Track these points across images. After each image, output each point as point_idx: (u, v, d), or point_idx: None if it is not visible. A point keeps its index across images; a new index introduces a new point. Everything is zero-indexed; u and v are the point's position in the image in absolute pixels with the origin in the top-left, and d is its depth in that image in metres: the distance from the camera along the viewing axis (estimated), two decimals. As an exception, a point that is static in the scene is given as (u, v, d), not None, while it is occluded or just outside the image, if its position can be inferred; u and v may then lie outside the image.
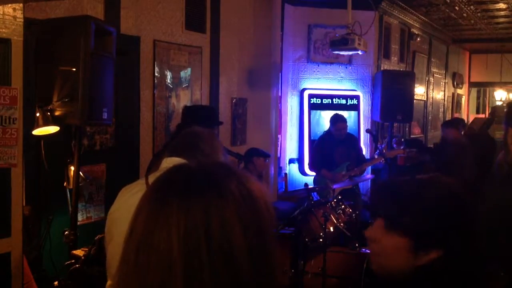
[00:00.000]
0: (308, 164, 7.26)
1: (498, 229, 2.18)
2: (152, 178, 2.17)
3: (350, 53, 6.42)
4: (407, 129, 9.98)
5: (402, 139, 8.46)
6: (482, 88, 15.74)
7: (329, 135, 6.40)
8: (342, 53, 6.59)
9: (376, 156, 6.91)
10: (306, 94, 7.66)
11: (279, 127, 7.17)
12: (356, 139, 6.94)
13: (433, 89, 11.49)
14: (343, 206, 4.81)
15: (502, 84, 14.52)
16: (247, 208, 0.87)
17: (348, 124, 6.43)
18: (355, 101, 7.87)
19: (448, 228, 1.26)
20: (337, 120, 6.29)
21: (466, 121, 12.18)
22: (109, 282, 2.15)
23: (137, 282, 0.85)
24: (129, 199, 2.11)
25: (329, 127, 6.39)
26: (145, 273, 0.84)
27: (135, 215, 0.90)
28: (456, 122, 7.63)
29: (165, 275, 0.82)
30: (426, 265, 1.25)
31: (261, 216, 0.89)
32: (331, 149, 6.26)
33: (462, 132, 7.98)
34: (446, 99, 12.72)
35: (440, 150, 7.45)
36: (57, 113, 3.23)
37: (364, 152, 7.07)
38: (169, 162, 2.20)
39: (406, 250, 1.27)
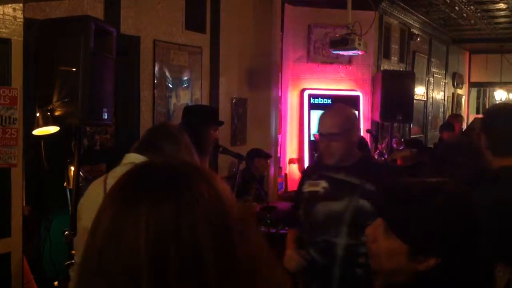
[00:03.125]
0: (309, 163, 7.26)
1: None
2: (110, 175, 2.17)
3: (350, 53, 6.42)
4: (407, 129, 9.98)
5: (402, 139, 8.46)
6: (482, 88, 15.74)
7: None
8: (342, 53, 6.59)
9: (376, 157, 6.91)
10: (306, 94, 7.65)
11: (279, 127, 7.17)
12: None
13: (433, 89, 11.49)
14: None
15: (502, 84, 14.51)
16: (215, 209, 0.85)
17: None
18: (355, 101, 7.87)
19: (448, 238, 1.24)
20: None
21: (466, 121, 12.20)
22: (72, 267, 2.22)
23: (100, 286, 0.82)
24: (90, 194, 2.20)
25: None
26: (109, 277, 0.81)
27: (98, 214, 0.87)
28: (449, 124, 7.65)
29: (131, 280, 0.80)
30: (426, 270, 1.23)
31: (229, 216, 0.87)
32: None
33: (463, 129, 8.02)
34: (446, 99, 12.71)
35: (436, 150, 7.47)
36: (57, 113, 3.23)
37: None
38: (127, 158, 2.19)
39: (403, 254, 1.25)
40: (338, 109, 2.93)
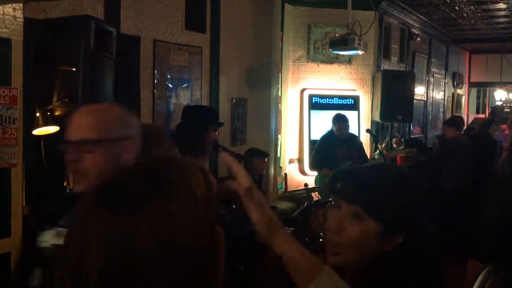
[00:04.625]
0: (309, 163, 7.26)
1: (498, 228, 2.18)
2: None
3: (350, 53, 6.43)
4: (407, 129, 9.98)
5: (402, 139, 8.47)
6: (482, 88, 15.74)
7: (331, 135, 6.41)
8: (342, 53, 6.60)
9: (376, 157, 6.92)
10: (306, 94, 7.66)
11: (279, 127, 7.17)
12: (358, 139, 6.94)
13: (433, 89, 11.49)
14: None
15: (502, 84, 14.52)
16: (167, 228, 0.83)
17: (349, 124, 6.43)
18: (355, 101, 7.87)
19: (412, 213, 1.30)
20: (337, 120, 6.30)
21: (466, 121, 12.20)
22: None
23: None
24: None
25: (331, 127, 6.40)
26: (63, 282, 0.84)
27: (68, 234, 0.89)
28: (457, 122, 7.63)
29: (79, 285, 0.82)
30: (391, 249, 1.27)
31: (182, 234, 0.84)
32: (332, 149, 6.27)
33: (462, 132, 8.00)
34: (446, 99, 12.72)
35: (438, 148, 7.47)
36: (57, 113, 3.22)
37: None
38: None
39: (375, 235, 1.27)
40: (103, 107, 1.93)
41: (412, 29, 9.84)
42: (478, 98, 16.11)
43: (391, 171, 1.39)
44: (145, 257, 0.81)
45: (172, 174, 0.88)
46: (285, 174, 7.49)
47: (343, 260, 1.31)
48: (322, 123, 7.35)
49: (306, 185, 5.35)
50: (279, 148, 7.24)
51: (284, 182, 7.40)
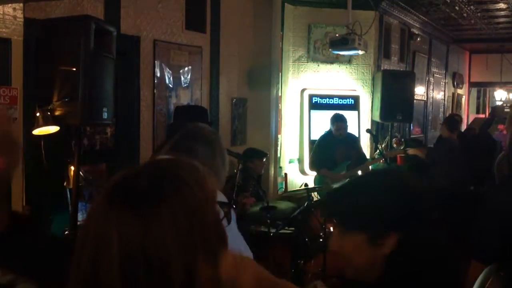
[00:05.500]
0: (309, 163, 7.26)
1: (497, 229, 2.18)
2: None
3: (350, 53, 6.43)
4: (407, 129, 9.98)
5: (402, 139, 8.46)
6: (482, 88, 15.74)
7: (330, 135, 6.41)
8: (342, 53, 6.60)
9: (376, 156, 6.92)
10: (306, 94, 7.65)
11: (279, 127, 7.17)
12: (357, 139, 6.94)
13: (433, 89, 11.49)
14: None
15: (502, 84, 14.51)
16: (185, 222, 0.85)
17: (348, 124, 6.43)
18: (355, 101, 7.87)
19: (394, 211, 1.31)
20: (336, 120, 6.30)
21: (466, 121, 12.21)
22: None
23: None
24: None
25: (330, 127, 6.40)
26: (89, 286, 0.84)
27: (83, 230, 0.89)
28: (450, 121, 7.64)
29: None
30: (392, 252, 1.29)
31: (201, 228, 0.87)
32: (331, 149, 6.27)
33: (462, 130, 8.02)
34: (446, 99, 12.72)
35: (435, 148, 7.48)
36: (57, 113, 3.23)
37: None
38: None
39: (365, 244, 1.30)
40: None
41: (412, 29, 9.84)
42: (478, 98, 16.10)
43: (371, 180, 1.43)
44: (164, 252, 0.83)
45: (181, 173, 0.91)
46: (285, 174, 7.49)
47: (354, 273, 1.35)
48: (322, 123, 7.35)
49: (306, 185, 5.34)
50: (279, 148, 7.24)
51: (284, 182, 7.40)
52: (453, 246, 1.37)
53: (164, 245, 0.83)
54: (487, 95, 16.06)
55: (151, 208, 0.85)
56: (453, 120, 7.67)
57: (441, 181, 6.92)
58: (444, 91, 12.51)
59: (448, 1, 8.59)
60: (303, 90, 7.68)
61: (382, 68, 8.26)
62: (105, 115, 3.39)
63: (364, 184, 1.41)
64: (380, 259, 1.30)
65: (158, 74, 4.96)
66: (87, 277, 0.85)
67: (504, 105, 14.91)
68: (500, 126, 9.61)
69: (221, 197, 1.96)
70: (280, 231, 4.62)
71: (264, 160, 5.58)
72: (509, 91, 15.40)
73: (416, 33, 9.95)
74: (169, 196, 0.86)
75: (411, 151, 6.66)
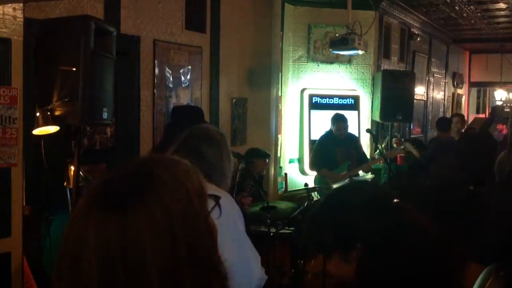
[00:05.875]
0: (309, 163, 7.26)
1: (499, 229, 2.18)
2: None
3: (350, 53, 6.43)
4: (407, 129, 9.98)
5: (402, 139, 8.46)
6: (482, 88, 15.74)
7: (330, 135, 6.40)
8: (342, 53, 6.60)
9: (376, 156, 6.92)
10: (306, 94, 7.65)
11: (279, 127, 7.17)
12: (358, 139, 6.94)
13: (433, 89, 11.49)
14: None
15: (502, 84, 14.51)
16: (163, 225, 0.84)
17: (349, 124, 6.43)
18: (355, 101, 7.87)
19: (347, 224, 1.38)
20: (337, 120, 6.30)
21: (466, 121, 12.20)
22: None
23: None
24: None
25: (330, 127, 6.40)
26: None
27: (66, 231, 0.89)
28: (439, 122, 7.68)
29: None
30: (358, 263, 1.35)
31: (179, 230, 0.86)
32: (332, 149, 6.27)
33: (463, 130, 8.05)
34: (446, 99, 12.71)
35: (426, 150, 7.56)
36: (57, 113, 3.22)
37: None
38: None
39: (340, 261, 1.39)
40: None
41: (412, 29, 9.84)
42: (478, 98, 16.10)
43: (323, 203, 1.53)
44: (144, 251, 0.82)
45: (162, 172, 0.90)
46: (285, 174, 7.49)
47: None
48: (322, 123, 7.36)
49: (306, 185, 5.34)
50: (279, 148, 7.24)
51: (284, 182, 7.40)
52: (441, 246, 1.38)
53: (142, 246, 0.82)
54: (487, 95, 16.06)
55: (128, 209, 0.84)
56: (440, 120, 7.72)
57: (427, 181, 7.00)
58: (444, 91, 12.51)
59: (448, 1, 8.59)
60: (303, 90, 7.68)
61: (382, 68, 8.26)
62: (105, 115, 3.39)
63: (317, 212, 1.50)
64: (355, 272, 1.36)
65: (158, 74, 4.95)
66: (67, 281, 0.84)
67: (504, 105, 14.91)
68: (499, 126, 9.61)
69: (225, 197, 1.97)
70: (280, 231, 4.62)
71: (267, 161, 5.59)
72: (509, 91, 15.41)
73: (416, 33, 9.95)
74: (146, 195, 0.85)
75: (407, 146, 6.70)
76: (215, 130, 2.21)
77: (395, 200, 1.42)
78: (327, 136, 6.47)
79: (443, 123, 7.46)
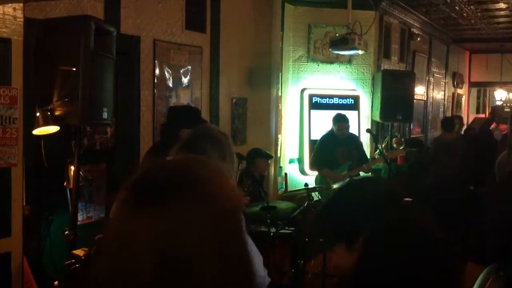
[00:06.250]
0: (309, 163, 7.26)
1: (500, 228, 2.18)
2: None
3: (350, 53, 6.43)
4: (407, 129, 9.98)
5: (402, 139, 8.47)
6: (482, 88, 15.73)
7: (331, 135, 6.40)
8: (342, 53, 6.60)
9: (376, 157, 6.92)
10: (306, 94, 7.65)
11: (279, 127, 7.17)
12: (359, 139, 6.94)
13: (433, 89, 11.49)
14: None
15: (502, 84, 14.51)
16: (207, 219, 0.86)
17: (350, 124, 6.43)
18: (355, 101, 7.87)
19: (353, 217, 1.43)
20: (338, 120, 6.30)
21: (466, 121, 12.21)
22: None
23: None
24: None
25: (332, 127, 6.39)
26: (118, 283, 0.85)
27: (105, 229, 0.90)
28: (444, 121, 7.70)
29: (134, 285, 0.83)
30: (359, 256, 1.37)
31: (221, 224, 0.88)
32: (333, 149, 6.26)
33: (463, 130, 8.06)
34: (446, 99, 12.71)
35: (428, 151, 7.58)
36: (57, 113, 3.23)
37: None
38: None
39: (345, 252, 1.42)
40: None
41: (412, 29, 9.84)
42: (478, 98, 16.09)
43: (330, 199, 1.59)
44: (190, 247, 0.83)
45: (199, 168, 0.93)
46: (285, 174, 7.49)
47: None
48: (322, 123, 7.36)
49: (306, 185, 5.35)
50: (279, 148, 7.24)
51: (284, 182, 7.40)
52: (441, 246, 1.38)
53: (190, 240, 0.84)
54: (487, 95, 16.05)
55: (175, 206, 0.85)
56: (446, 119, 7.73)
57: (427, 181, 7.01)
58: (444, 91, 12.51)
59: (448, 1, 8.58)
60: (303, 90, 7.67)
61: (382, 68, 8.26)
62: (105, 115, 3.39)
63: (324, 205, 1.59)
64: (352, 264, 1.39)
65: (158, 74, 4.96)
66: (112, 274, 0.85)
67: (504, 105, 14.91)
68: (502, 126, 9.62)
69: None
70: (280, 231, 4.62)
71: (270, 161, 5.59)
72: (509, 91, 15.40)
73: (416, 33, 9.95)
74: (191, 194, 0.87)
75: (393, 154, 6.86)
76: (218, 130, 2.23)
77: (406, 199, 1.45)
78: (328, 136, 6.47)
79: (449, 123, 7.48)
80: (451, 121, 7.62)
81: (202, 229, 0.85)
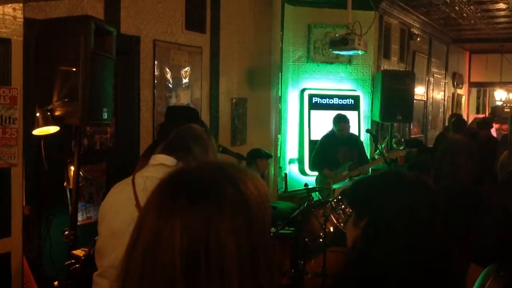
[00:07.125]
0: (310, 163, 7.26)
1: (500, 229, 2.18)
2: (138, 175, 2.18)
3: (350, 53, 6.43)
4: (407, 129, 9.98)
5: (402, 139, 8.47)
6: (482, 88, 15.74)
7: (332, 135, 6.40)
8: (342, 53, 6.59)
9: (376, 157, 6.92)
10: (306, 94, 7.65)
11: (279, 127, 7.17)
12: (359, 139, 6.93)
13: (433, 89, 11.49)
14: (343, 206, 4.80)
15: (502, 84, 14.51)
16: (242, 217, 0.89)
17: (350, 124, 6.43)
18: (355, 101, 7.87)
19: (371, 196, 1.49)
20: (339, 120, 6.29)
21: (466, 121, 12.19)
22: (97, 272, 2.23)
23: None
24: (117, 195, 2.20)
25: (332, 127, 6.39)
26: (149, 286, 0.87)
27: (137, 226, 0.92)
28: (454, 122, 7.66)
29: None
30: (360, 233, 1.44)
31: (255, 223, 0.91)
32: (333, 149, 6.26)
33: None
34: (446, 99, 12.71)
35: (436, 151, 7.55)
36: (57, 113, 3.23)
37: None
38: (156, 159, 2.21)
39: (353, 225, 1.49)
40: None
41: (412, 29, 9.84)
42: (478, 98, 16.10)
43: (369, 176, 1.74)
44: (228, 241, 0.86)
45: (235, 173, 0.96)
46: (285, 174, 7.49)
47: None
48: (322, 123, 7.36)
49: (306, 185, 5.34)
50: (279, 148, 7.24)
51: (284, 182, 7.40)
52: (444, 244, 1.39)
53: (225, 239, 0.86)
54: (487, 95, 16.06)
55: (213, 203, 0.88)
56: (457, 121, 7.69)
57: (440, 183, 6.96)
58: (444, 91, 12.51)
59: (448, 1, 8.59)
60: (303, 90, 7.68)
61: (382, 68, 8.27)
62: (105, 115, 3.39)
63: (366, 179, 1.66)
64: (351, 240, 1.48)
65: (158, 74, 4.95)
66: (143, 269, 0.87)
67: (504, 105, 14.92)
68: (504, 126, 9.62)
69: None
70: (280, 231, 4.62)
71: (269, 161, 5.59)
72: (509, 91, 15.40)
73: (416, 33, 9.95)
74: (228, 193, 0.90)
75: (393, 154, 6.84)
76: (201, 129, 2.34)
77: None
78: (329, 136, 6.46)
79: (461, 124, 7.46)
80: (463, 123, 7.62)
81: (236, 230, 0.87)
